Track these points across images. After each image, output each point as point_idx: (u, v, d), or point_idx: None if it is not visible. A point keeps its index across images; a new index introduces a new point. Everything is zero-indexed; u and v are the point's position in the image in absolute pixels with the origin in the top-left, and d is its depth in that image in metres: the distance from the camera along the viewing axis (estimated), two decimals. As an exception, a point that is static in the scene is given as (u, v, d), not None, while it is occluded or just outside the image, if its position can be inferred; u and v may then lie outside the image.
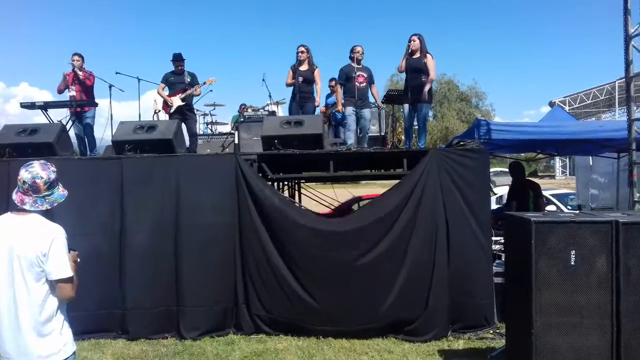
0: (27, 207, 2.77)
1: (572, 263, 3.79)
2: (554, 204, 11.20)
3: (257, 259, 5.91)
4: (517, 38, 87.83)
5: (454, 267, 5.81)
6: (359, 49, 7.95)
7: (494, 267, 6.10)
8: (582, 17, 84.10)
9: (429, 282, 5.75)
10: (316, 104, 8.53)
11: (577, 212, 6.35)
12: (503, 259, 6.53)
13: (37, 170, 2.81)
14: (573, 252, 3.78)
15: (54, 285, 2.76)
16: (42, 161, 2.90)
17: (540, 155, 9.60)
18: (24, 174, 2.79)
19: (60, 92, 8.59)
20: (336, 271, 5.73)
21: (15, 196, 2.81)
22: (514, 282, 4.34)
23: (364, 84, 7.89)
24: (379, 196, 6.39)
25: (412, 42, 7.48)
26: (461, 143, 6.21)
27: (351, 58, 7.91)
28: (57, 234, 2.75)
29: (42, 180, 2.80)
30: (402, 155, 6.28)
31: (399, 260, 5.74)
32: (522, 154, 10.74)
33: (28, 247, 2.68)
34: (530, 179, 8.06)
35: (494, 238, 6.28)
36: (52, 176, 2.85)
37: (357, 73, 7.78)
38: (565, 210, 11.50)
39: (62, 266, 2.73)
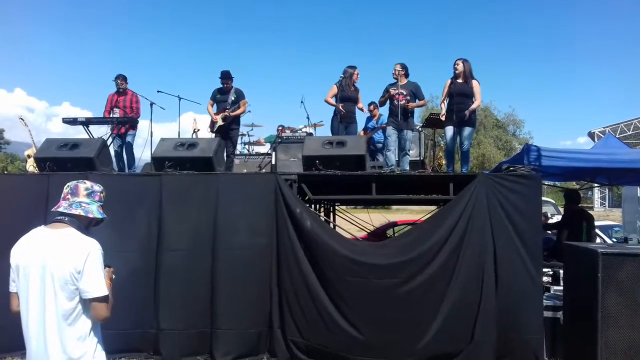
0: (60, 209, 2.65)
1: (642, 299, 3.50)
2: (599, 236, 10.72)
3: (295, 283, 5.69)
4: (554, 66, 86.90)
5: (502, 299, 5.47)
6: (397, 67, 7.82)
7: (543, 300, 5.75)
8: (625, 48, 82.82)
9: (475, 315, 5.42)
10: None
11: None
12: (552, 292, 6.19)
13: (85, 181, 2.74)
14: (644, 287, 3.49)
15: (87, 304, 2.59)
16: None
17: (591, 184, 9.19)
18: (72, 182, 2.70)
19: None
20: (377, 299, 5.46)
21: (55, 206, 2.70)
22: (575, 317, 4.04)
23: (403, 102, 7.68)
24: (424, 222, 6.12)
25: (456, 66, 7.38)
26: (511, 168, 5.92)
27: (393, 77, 7.81)
28: (92, 249, 2.59)
29: (84, 186, 2.71)
30: (448, 180, 6.02)
31: (443, 289, 5.44)
32: (558, 183, 10.36)
33: (61, 263, 2.52)
34: (584, 208, 7.68)
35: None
36: (97, 188, 2.75)
37: (398, 91, 7.63)
38: (609, 242, 10.99)
39: (97, 284, 2.57)
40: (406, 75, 7.87)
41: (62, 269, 2.52)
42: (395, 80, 7.80)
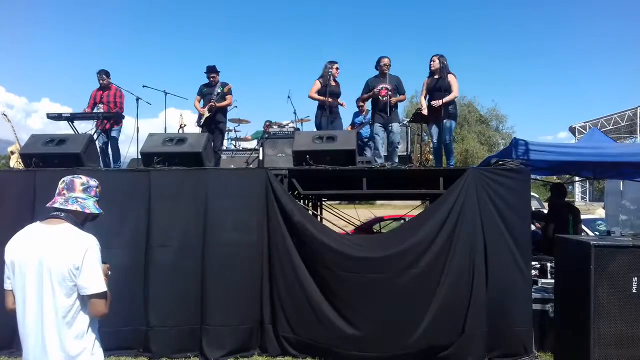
0: (56, 204, 2.60)
1: (633, 290, 3.55)
2: (583, 230, 10.87)
3: (287, 279, 5.68)
4: (536, 61, 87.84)
5: (492, 292, 5.52)
6: (385, 60, 7.83)
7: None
8: (604, 44, 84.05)
9: (465, 308, 5.46)
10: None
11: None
12: (540, 284, 6.27)
13: (81, 176, 2.70)
14: (635, 279, 3.54)
15: (85, 300, 2.56)
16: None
17: (572, 179, 9.31)
18: (67, 177, 2.66)
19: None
20: (369, 294, 5.48)
21: (50, 202, 2.65)
22: (566, 310, 4.08)
23: (386, 97, 7.71)
24: (415, 216, 6.15)
25: (432, 63, 7.47)
26: (500, 162, 5.97)
27: (377, 69, 7.81)
28: (90, 244, 2.56)
29: (80, 181, 2.67)
30: (438, 174, 6.05)
31: (435, 283, 5.47)
32: (539, 177, 10.47)
33: (59, 260, 2.48)
34: (570, 202, 7.77)
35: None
36: (93, 183, 2.72)
37: (381, 86, 7.65)
38: (592, 235, 11.14)
39: (96, 280, 2.54)
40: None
41: (60, 265, 2.48)
42: (377, 74, 7.84)
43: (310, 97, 8.33)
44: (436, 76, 7.49)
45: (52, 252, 2.49)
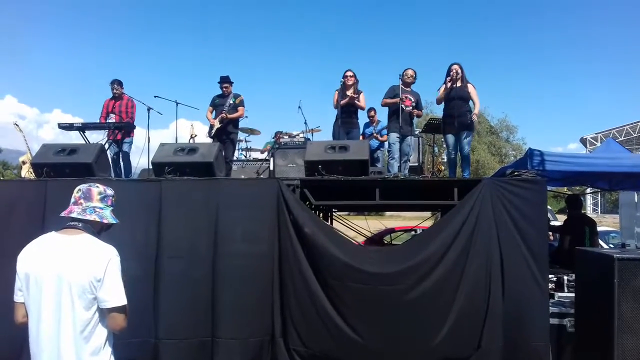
0: (73, 214, 2.54)
1: (659, 306, 3.43)
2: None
3: (297, 291, 5.57)
4: (545, 73, 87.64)
5: (509, 305, 5.39)
6: (410, 72, 7.82)
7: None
8: (615, 54, 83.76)
9: (482, 321, 5.34)
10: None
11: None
12: (557, 298, 6.13)
13: (97, 185, 2.65)
14: (660, 294, 3.42)
15: (104, 313, 2.48)
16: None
17: (584, 190, 9.17)
18: (83, 185, 2.61)
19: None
20: (382, 307, 5.37)
21: (65, 211, 2.59)
22: (588, 325, 3.96)
23: (410, 108, 7.70)
24: (429, 228, 6.05)
25: (453, 71, 7.39)
26: (515, 173, 5.87)
27: (401, 80, 7.76)
28: (111, 256, 2.50)
29: (97, 190, 2.62)
30: (453, 185, 5.95)
31: (451, 295, 5.35)
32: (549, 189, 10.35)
33: (80, 271, 2.40)
34: (586, 214, 7.64)
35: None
36: (109, 192, 2.67)
37: (406, 96, 7.61)
38: (606, 248, 10.96)
39: (118, 293, 2.47)
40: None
41: (81, 277, 2.40)
42: (399, 84, 7.78)
43: (336, 108, 8.33)
44: (456, 84, 7.41)
45: (72, 263, 2.42)
